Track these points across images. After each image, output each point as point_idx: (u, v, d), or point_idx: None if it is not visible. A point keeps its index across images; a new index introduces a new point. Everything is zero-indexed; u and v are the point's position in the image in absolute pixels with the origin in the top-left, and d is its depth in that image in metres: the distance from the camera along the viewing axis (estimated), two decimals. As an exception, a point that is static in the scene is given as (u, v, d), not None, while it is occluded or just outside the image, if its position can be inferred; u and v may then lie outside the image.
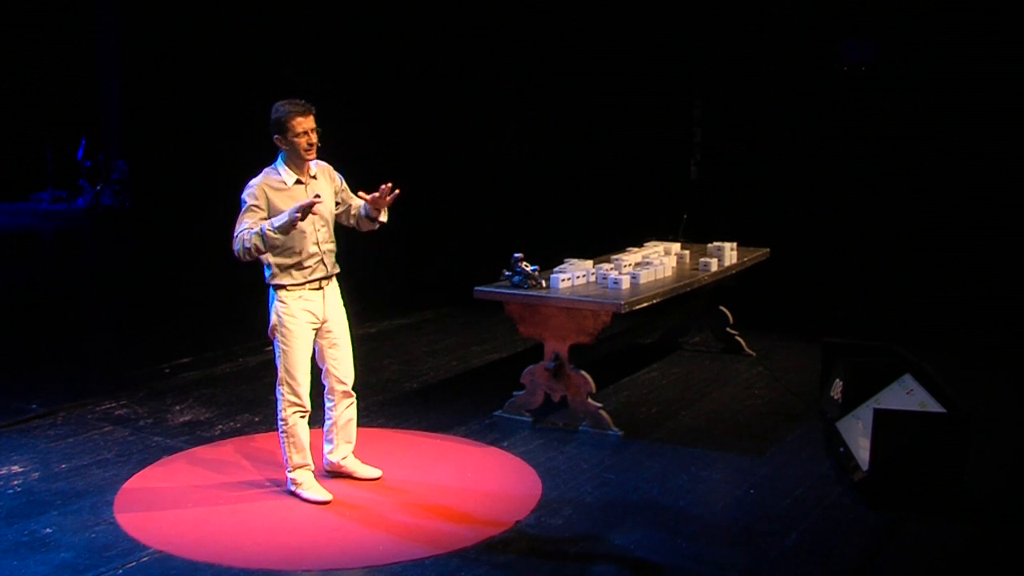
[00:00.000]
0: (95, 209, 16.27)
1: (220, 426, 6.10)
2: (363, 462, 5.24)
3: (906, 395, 5.41)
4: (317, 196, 4.66)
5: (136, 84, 16.48)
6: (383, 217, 4.99)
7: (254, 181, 4.76)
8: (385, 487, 5.11)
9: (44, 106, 17.40)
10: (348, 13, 14.49)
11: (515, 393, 6.20)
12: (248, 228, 4.64)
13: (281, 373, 4.85)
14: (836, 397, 5.95)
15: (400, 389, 6.95)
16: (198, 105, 15.27)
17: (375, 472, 5.22)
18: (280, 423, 4.89)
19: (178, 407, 6.47)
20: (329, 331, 4.96)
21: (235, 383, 7.04)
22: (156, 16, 15.67)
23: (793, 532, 4.63)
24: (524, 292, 5.91)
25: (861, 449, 5.20)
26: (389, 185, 4.86)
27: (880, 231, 11.12)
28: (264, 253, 4.69)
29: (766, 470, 5.41)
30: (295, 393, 4.85)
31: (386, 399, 6.67)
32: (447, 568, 4.23)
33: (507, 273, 6.02)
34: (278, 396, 4.88)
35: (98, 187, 16.40)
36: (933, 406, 5.14)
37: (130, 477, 5.23)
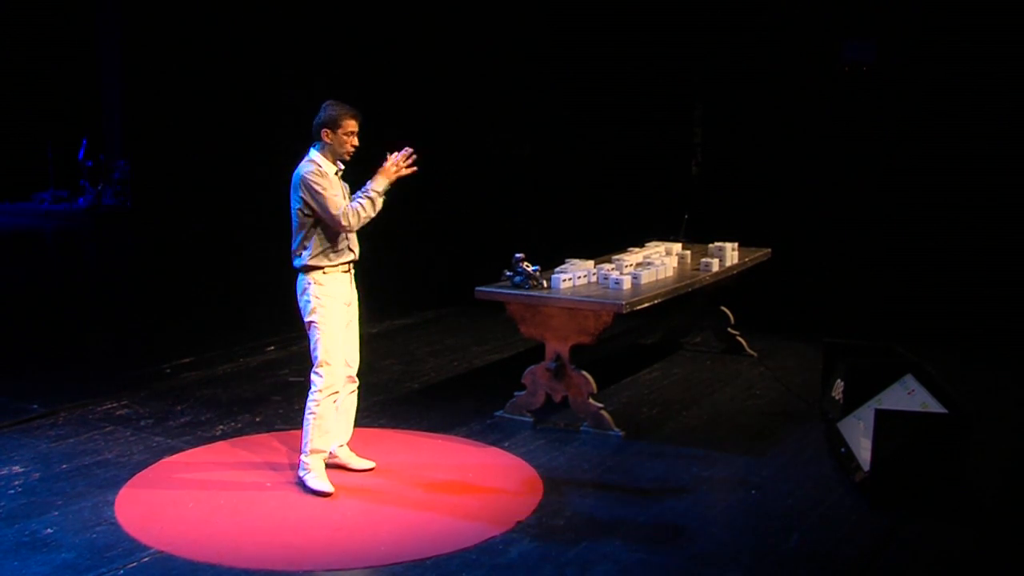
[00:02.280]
0: (96, 209, 16.29)
1: (221, 426, 6.10)
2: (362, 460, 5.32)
3: (907, 395, 5.41)
4: (411, 154, 4.91)
5: (137, 84, 16.51)
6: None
7: (316, 169, 4.85)
8: (386, 487, 5.12)
9: (45, 106, 17.42)
10: (349, 14, 14.49)
11: (516, 393, 6.20)
12: (348, 204, 4.82)
13: (321, 356, 4.91)
14: (837, 397, 5.94)
15: (401, 389, 6.95)
16: (199, 105, 15.28)
17: (368, 463, 5.31)
18: (311, 403, 4.94)
19: (179, 407, 6.47)
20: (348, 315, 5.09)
21: (236, 383, 7.04)
22: (157, 16, 15.69)
23: (794, 532, 4.63)
24: (525, 292, 5.92)
25: (862, 449, 5.20)
26: (409, 150, 4.94)
27: (880, 231, 11.11)
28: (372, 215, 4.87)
29: (767, 470, 5.41)
30: (333, 375, 4.94)
31: (387, 399, 6.68)
32: (448, 568, 4.23)
33: (508, 273, 6.02)
34: (315, 379, 4.94)
35: (99, 187, 16.42)
36: (934, 406, 5.14)
37: (131, 477, 5.23)
